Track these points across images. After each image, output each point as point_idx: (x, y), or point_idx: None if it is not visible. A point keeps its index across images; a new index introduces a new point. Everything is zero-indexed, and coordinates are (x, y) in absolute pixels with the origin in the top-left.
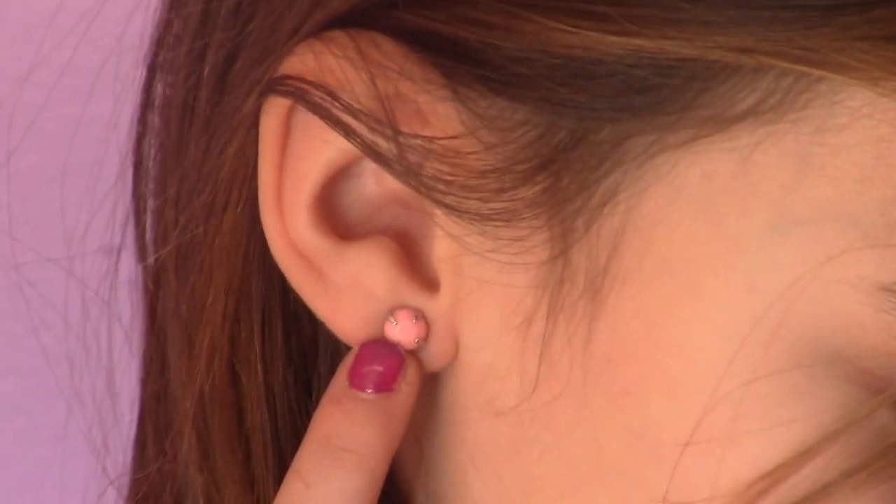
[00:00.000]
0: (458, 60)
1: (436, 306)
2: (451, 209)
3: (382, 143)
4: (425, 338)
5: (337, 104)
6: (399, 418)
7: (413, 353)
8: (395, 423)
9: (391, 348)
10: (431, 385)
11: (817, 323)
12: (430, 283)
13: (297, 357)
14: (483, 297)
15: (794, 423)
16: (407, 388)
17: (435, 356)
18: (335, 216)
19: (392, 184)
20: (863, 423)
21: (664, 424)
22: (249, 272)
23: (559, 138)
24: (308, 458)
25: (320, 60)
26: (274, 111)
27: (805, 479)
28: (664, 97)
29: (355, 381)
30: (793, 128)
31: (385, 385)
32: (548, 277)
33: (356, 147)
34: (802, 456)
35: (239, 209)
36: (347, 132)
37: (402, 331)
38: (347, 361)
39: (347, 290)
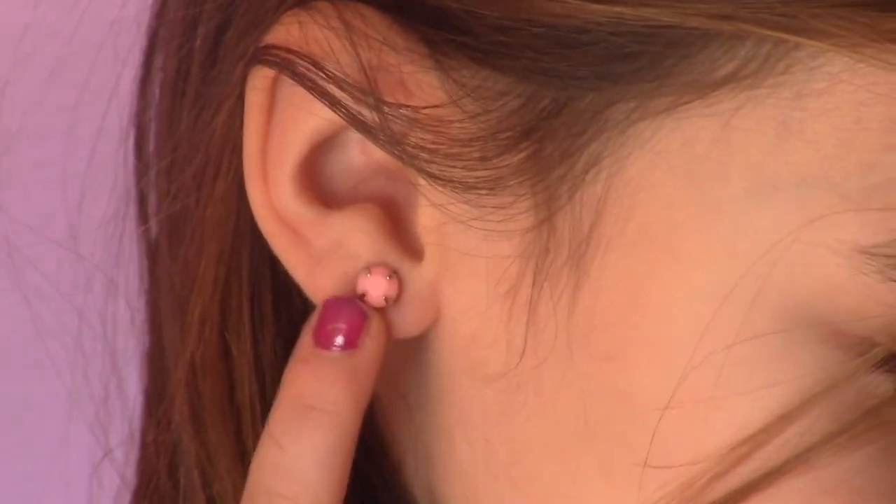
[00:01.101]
0: (441, 30)
1: (419, 274)
2: (435, 178)
3: (366, 113)
4: (395, 299)
5: (321, 74)
6: (366, 374)
7: (381, 312)
8: (363, 379)
9: (353, 304)
10: (418, 350)
11: (797, 286)
12: (413, 252)
13: (286, 329)
14: (468, 265)
15: (775, 386)
16: (371, 343)
17: (411, 321)
18: (320, 185)
19: (377, 154)
20: (843, 387)
21: (647, 388)
22: (240, 241)
23: (542, 107)
24: (279, 420)
25: (305, 30)
26: (259, 81)
27: (786, 442)
28: (644, 64)
29: (320, 340)
30: (772, 93)
31: (349, 342)
32: (532, 245)
33: (341, 117)
34: (784, 419)
35: (229, 178)
36: (332, 102)
37: (373, 283)
38: (311, 321)
39: (330, 254)
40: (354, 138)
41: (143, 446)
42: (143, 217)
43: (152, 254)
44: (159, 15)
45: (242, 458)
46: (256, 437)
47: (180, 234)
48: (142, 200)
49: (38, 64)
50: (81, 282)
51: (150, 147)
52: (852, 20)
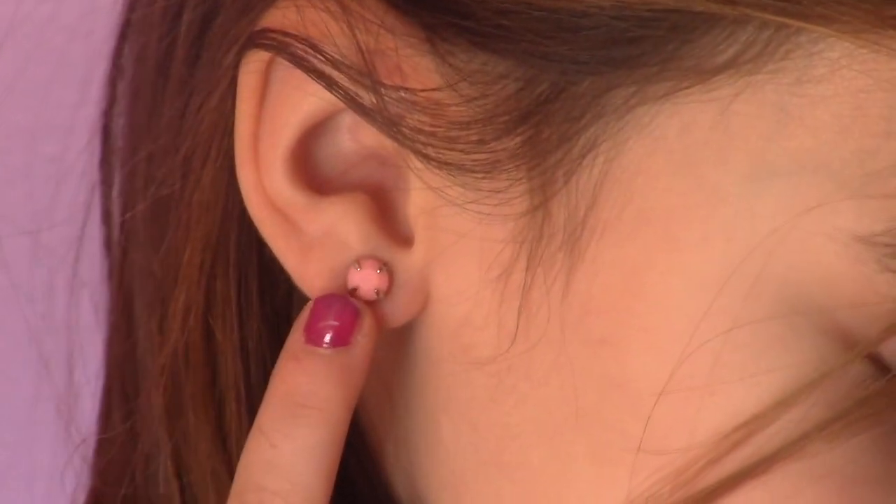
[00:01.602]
0: (439, 13)
1: (408, 261)
2: (431, 160)
3: (364, 95)
4: (386, 291)
5: (319, 57)
6: (358, 371)
7: (371, 305)
8: (355, 377)
9: (345, 301)
10: (402, 336)
11: (795, 274)
12: (403, 239)
13: (271, 316)
14: (461, 249)
15: (771, 372)
16: (363, 340)
17: (401, 309)
18: (311, 171)
19: (368, 139)
20: (838, 375)
21: (641, 374)
22: (228, 227)
23: (540, 91)
24: (270, 417)
25: (302, 13)
26: (254, 65)
27: (781, 429)
28: (646, 49)
29: (311, 337)
30: (772, 78)
31: (341, 339)
32: (527, 229)
33: (338, 98)
34: (779, 406)
35: (218, 164)
36: (329, 83)
37: (363, 277)
38: (303, 317)
39: (319, 242)
40: (345, 124)
41: (110, 437)
42: (106, 211)
43: (122, 246)
44: (131, 8)
45: (223, 443)
46: (240, 421)
47: (162, 223)
48: (106, 195)
49: (14, 56)
50: (45, 276)
51: (119, 142)
52: (855, 6)
